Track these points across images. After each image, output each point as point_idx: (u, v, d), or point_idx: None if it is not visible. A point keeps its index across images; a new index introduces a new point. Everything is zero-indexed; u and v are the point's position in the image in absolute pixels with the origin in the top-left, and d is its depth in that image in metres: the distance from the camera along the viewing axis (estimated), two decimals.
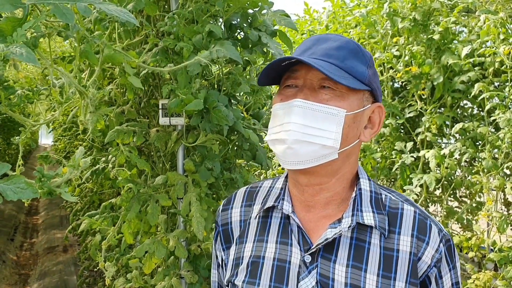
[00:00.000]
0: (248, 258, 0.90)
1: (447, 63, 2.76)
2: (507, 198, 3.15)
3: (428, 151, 2.77)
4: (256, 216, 0.94)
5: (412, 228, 0.85)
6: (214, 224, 1.64)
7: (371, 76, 0.86)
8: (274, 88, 2.95)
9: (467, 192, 3.28)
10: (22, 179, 1.01)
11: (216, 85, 1.82)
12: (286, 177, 0.95)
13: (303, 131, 0.81)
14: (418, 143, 3.00)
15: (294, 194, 0.91)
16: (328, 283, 0.82)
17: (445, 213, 3.01)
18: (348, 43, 0.85)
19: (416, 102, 2.98)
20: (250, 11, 1.79)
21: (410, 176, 2.87)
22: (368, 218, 0.84)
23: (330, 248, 0.84)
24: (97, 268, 4.05)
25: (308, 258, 0.84)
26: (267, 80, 0.90)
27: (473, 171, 2.80)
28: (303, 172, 0.85)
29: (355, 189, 0.89)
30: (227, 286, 0.94)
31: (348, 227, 0.83)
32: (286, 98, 0.85)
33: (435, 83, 2.84)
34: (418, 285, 0.82)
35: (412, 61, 2.94)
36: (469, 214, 3.06)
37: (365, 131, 0.88)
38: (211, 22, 1.73)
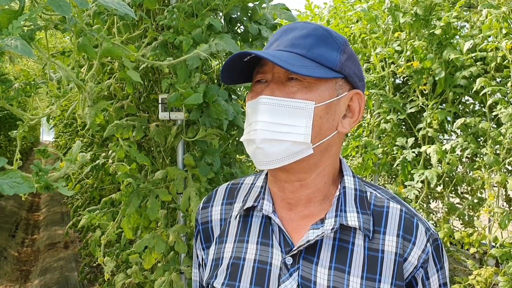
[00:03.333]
0: (228, 259, 0.87)
1: (449, 58, 2.74)
2: (509, 194, 3.14)
3: (429, 147, 2.75)
4: (236, 216, 0.90)
5: (398, 227, 0.81)
6: None
7: (344, 62, 0.80)
8: None
9: (469, 188, 3.27)
10: (18, 173, 0.99)
11: (215, 79, 1.81)
12: (267, 174, 0.91)
13: (270, 129, 0.77)
14: (419, 138, 2.98)
15: (274, 192, 0.87)
16: (310, 286, 0.79)
17: (446, 209, 3.00)
18: (316, 30, 0.80)
19: (418, 97, 2.96)
20: (250, 4, 1.78)
21: (412, 172, 2.85)
22: (352, 219, 0.80)
23: (312, 249, 0.80)
24: (98, 263, 4.06)
25: (289, 260, 0.81)
26: (235, 78, 0.86)
27: (474, 167, 2.78)
28: (280, 169, 0.81)
29: (339, 187, 0.85)
30: (207, 287, 0.90)
31: (331, 229, 0.79)
32: (255, 95, 0.81)
33: (436, 78, 2.82)
34: (404, 287, 0.79)
35: (414, 56, 2.92)
36: (471, 210, 3.04)
37: (344, 120, 0.83)
38: (211, 15, 1.71)
